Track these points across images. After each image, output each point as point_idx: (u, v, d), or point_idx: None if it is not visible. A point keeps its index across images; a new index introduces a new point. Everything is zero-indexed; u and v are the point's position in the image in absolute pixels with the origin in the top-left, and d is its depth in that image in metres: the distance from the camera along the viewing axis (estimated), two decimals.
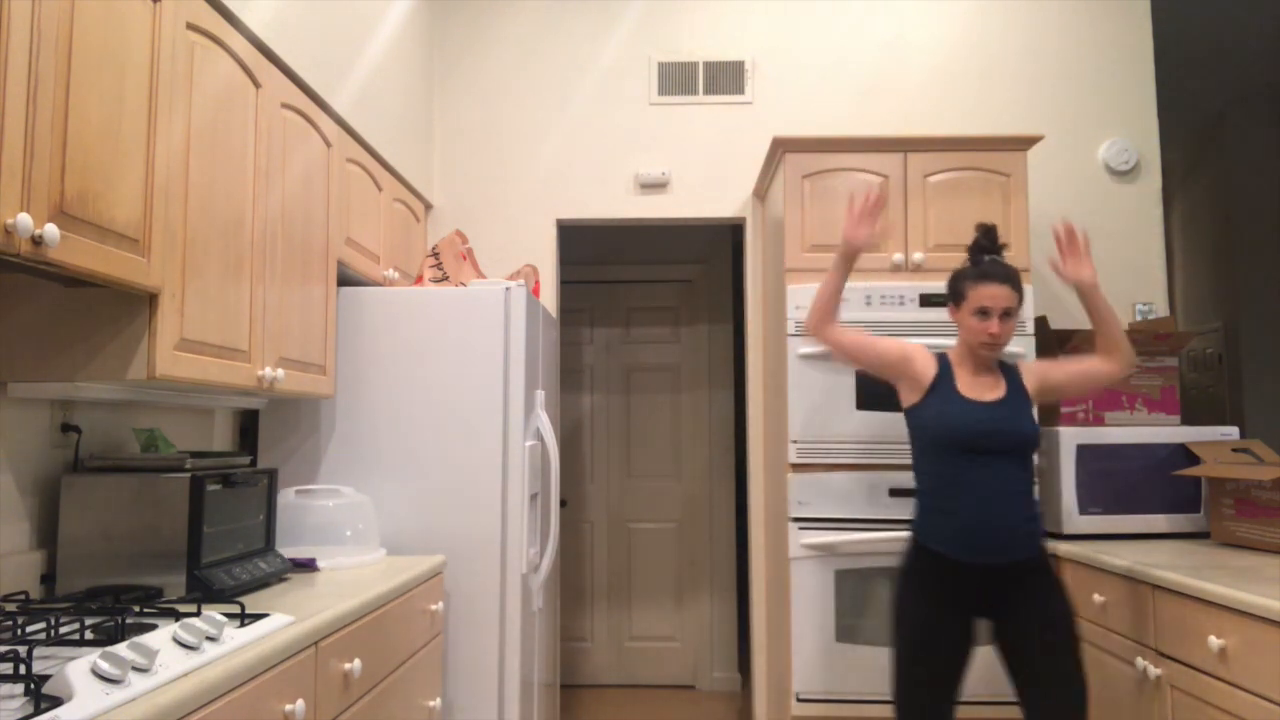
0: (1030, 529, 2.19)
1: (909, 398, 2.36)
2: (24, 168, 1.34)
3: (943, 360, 2.36)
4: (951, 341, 2.92)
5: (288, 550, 2.40)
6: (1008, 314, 2.23)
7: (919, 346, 2.36)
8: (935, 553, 2.21)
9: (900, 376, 2.36)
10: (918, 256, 2.99)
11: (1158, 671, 2.22)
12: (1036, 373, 2.35)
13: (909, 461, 2.89)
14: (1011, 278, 2.25)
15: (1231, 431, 2.93)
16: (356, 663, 1.87)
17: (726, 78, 3.71)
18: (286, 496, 2.48)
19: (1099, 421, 3.03)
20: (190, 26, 1.84)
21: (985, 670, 2.82)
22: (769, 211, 3.51)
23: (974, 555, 2.16)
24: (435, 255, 3.08)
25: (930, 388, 2.31)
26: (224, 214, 1.98)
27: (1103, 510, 2.91)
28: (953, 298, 2.32)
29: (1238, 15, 3.54)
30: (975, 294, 2.24)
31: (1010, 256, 3.00)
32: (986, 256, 2.30)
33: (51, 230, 1.37)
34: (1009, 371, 2.34)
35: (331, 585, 2.11)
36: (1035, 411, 2.35)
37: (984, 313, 2.24)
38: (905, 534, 2.86)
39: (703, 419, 4.66)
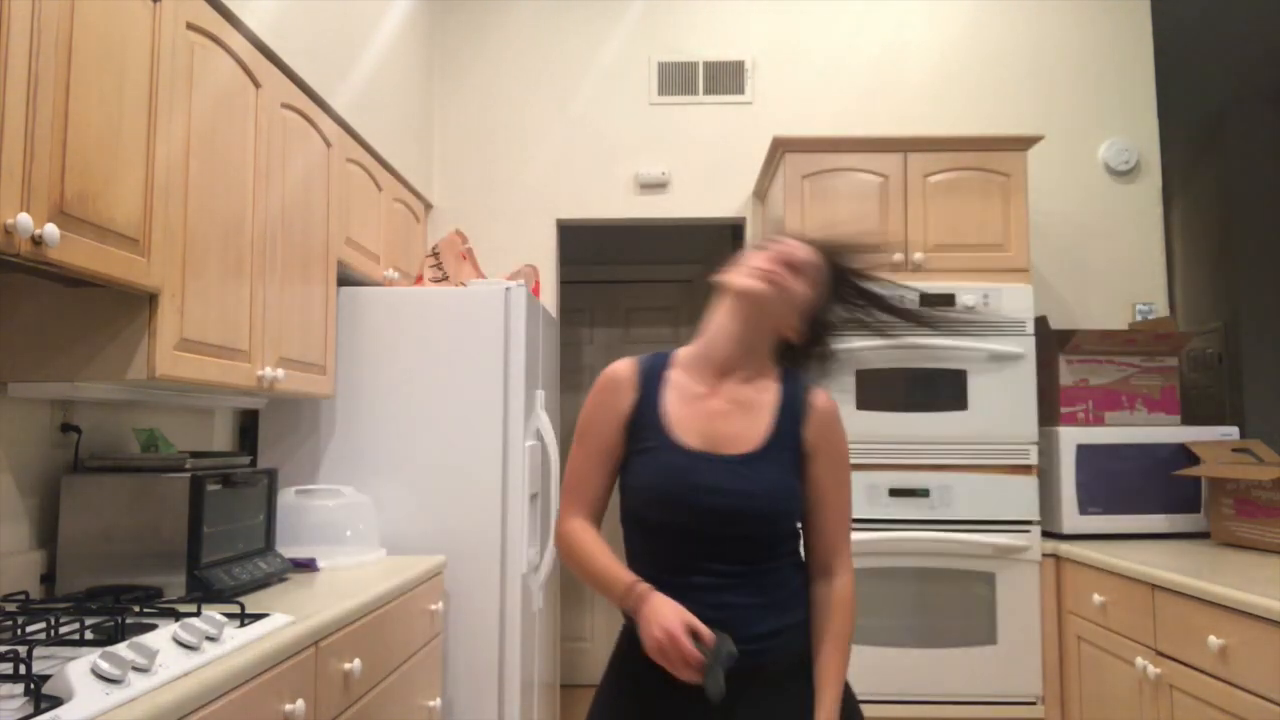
0: (773, 628, 1.36)
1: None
2: (24, 168, 1.34)
3: (650, 370, 1.44)
4: (953, 343, 2.91)
5: (288, 550, 2.40)
6: (797, 270, 1.38)
7: (607, 375, 1.46)
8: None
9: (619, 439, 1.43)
10: (918, 256, 2.99)
11: (1158, 671, 2.22)
12: (822, 429, 1.41)
13: (909, 461, 2.89)
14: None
15: (1231, 431, 2.93)
16: (356, 663, 1.87)
17: (726, 78, 3.71)
18: (286, 496, 2.48)
19: (1099, 421, 3.03)
20: (190, 26, 1.84)
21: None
22: (769, 211, 3.51)
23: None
24: (435, 255, 3.08)
25: (629, 423, 1.42)
26: (224, 214, 1.98)
27: (1103, 510, 2.91)
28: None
29: (1238, 15, 3.54)
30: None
31: (1009, 257, 3.00)
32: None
33: (51, 230, 1.37)
34: (793, 398, 1.42)
35: (331, 585, 2.11)
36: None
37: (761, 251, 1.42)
38: (906, 534, 2.86)
39: None
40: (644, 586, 1.30)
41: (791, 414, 1.41)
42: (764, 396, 1.42)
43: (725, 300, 1.42)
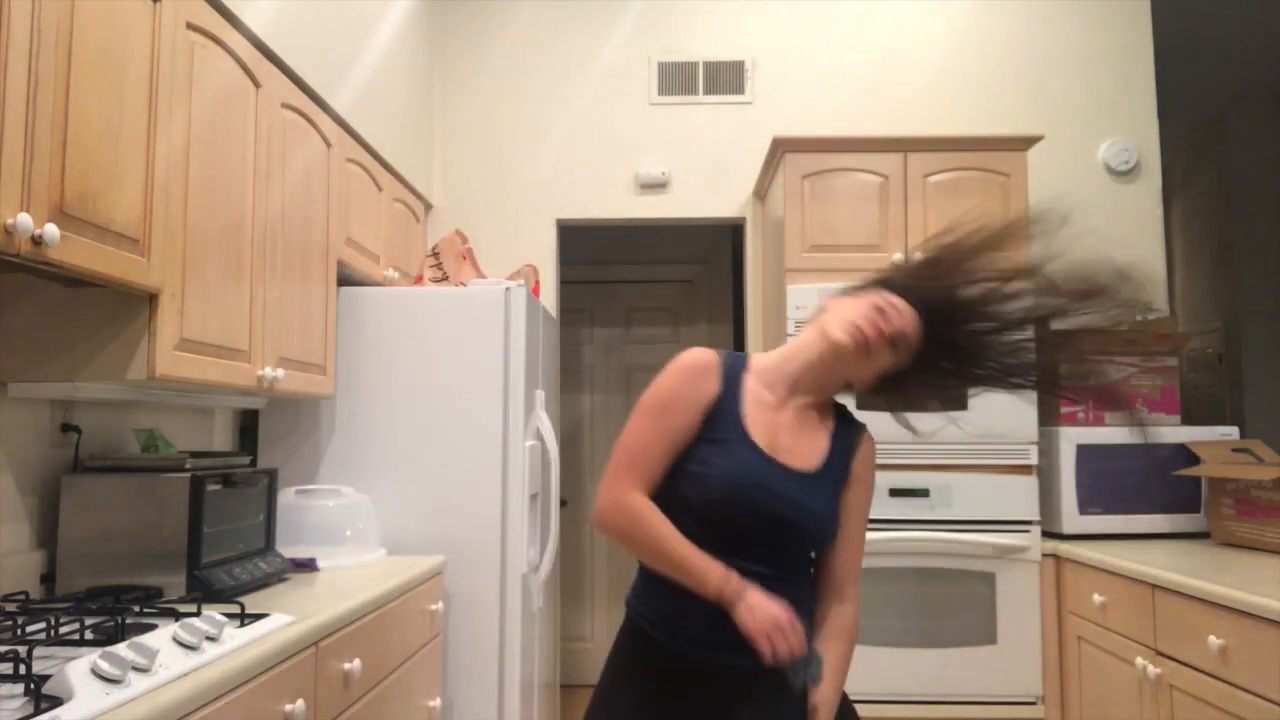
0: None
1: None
2: (24, 168, 1.34)
3: (731, 368, 1.46)
4: None
5: (288, 550, 2.40)
6: (894, 342, 1.39)
7: (694, 360, 1.44)
8: (650, 637, 1.42)
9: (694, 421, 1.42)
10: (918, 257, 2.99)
11: (1158, 671, 2.22)
12: (866, 461, 1.50)
13: (909, 461, 2.89)
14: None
15: (1231, 431, 2.93)
16: (356, 663, 1.87)
17: (726, 78, 3.71)
18: (286, 496, 2.48)
19: (1099, 421, 3.03)
20: (190, 26, 1.84)
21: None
22: (769, 211, 3.51)
23: (704, 650, 1.37)
24: (435, 255, 3.08)
25: (708, 411, 1.42)
26: (224, 214, 1.98)
27: (1103, 510, 2.91)
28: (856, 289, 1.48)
29: (1238, 15, 3.54)
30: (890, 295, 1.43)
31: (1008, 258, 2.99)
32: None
33: (51, 230, 1.37)
34: (845, 430, 1.49)
35: (331, 585, 2.11)
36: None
37: (881, 311, 1.39)
38: (906, 534, 2.86)
39: None
40: (738, 578, 1.32)
41: (844, 443, 1.47)
42: (823, 421, 1.48)
43: (818, 329, 1.44)
